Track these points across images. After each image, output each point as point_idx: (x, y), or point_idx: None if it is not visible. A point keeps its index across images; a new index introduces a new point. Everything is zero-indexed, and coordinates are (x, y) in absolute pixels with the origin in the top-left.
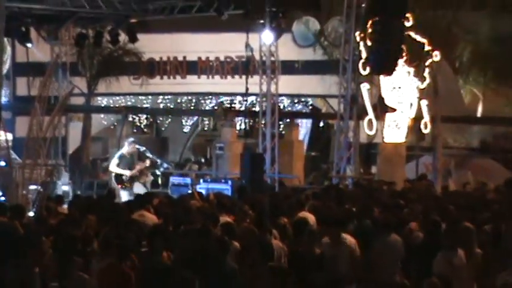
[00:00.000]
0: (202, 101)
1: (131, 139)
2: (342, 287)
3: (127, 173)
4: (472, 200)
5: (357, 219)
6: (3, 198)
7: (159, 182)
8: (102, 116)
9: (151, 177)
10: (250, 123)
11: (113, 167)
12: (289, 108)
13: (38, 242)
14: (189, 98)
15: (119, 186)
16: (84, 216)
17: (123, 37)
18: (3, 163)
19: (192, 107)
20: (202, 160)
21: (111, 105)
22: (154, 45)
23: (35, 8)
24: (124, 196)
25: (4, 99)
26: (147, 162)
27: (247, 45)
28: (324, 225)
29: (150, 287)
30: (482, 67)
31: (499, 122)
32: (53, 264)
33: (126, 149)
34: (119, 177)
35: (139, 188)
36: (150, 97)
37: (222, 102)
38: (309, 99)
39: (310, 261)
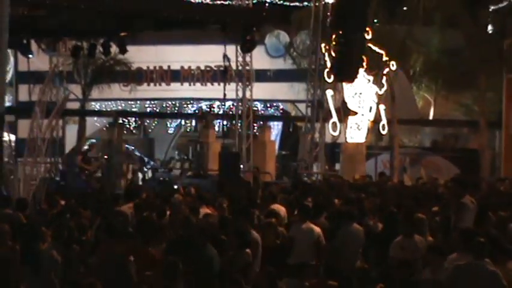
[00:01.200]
0: (185, 106)
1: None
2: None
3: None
4: (424, 193)
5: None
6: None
7: (147, 177)
8: (95, 119)
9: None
10: (228, 125)
11: None
12: (262, 112)
13: (39, 231)
14: (173, 102)
15: None
16: (79, 208)
17: (114, 49)
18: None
19: (175, 111)
20: (185, 158)
21: (104, 110)
22: (142, 56)
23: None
24: None
25: (8, 104)
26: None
27: (224, 56)
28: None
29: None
30: (433, 76)
31: (448, 124)
32: None
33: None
34: None
35: None
36: (138, 102)
37: (202, 106)
38: (280, 103)
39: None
